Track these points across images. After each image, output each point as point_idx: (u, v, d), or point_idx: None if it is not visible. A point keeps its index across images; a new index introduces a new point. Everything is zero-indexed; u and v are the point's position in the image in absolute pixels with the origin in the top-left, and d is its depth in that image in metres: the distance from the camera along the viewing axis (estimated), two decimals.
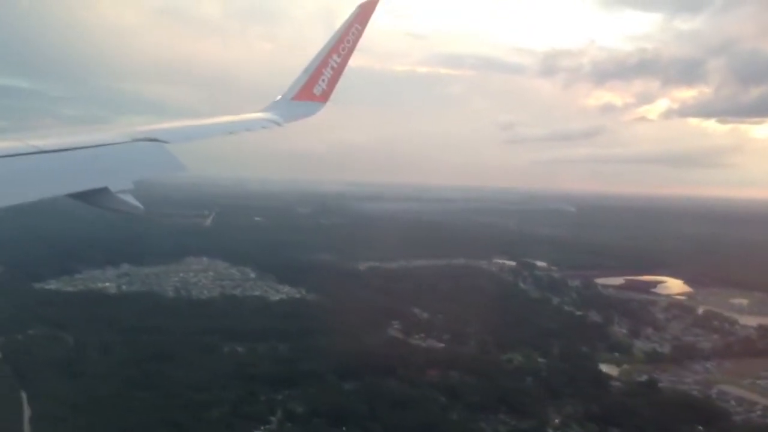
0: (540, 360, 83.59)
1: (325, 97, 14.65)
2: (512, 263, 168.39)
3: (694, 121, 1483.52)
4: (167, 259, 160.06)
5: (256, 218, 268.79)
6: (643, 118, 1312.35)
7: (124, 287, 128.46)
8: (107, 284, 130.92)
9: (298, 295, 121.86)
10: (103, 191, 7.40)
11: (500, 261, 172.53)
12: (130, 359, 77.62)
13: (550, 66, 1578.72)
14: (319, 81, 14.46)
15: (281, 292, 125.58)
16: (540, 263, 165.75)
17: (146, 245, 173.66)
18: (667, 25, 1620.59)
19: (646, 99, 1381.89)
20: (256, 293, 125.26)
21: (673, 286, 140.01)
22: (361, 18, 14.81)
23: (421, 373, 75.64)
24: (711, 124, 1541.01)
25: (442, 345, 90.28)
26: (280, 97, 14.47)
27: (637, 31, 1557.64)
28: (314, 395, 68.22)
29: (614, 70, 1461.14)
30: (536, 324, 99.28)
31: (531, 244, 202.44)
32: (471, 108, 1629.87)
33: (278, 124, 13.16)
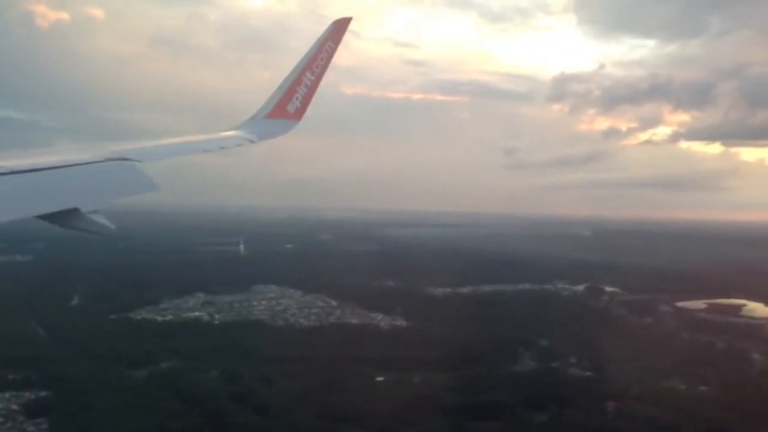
0: (702, 388, 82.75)
1: (298, 115, 14.48)
2: (580, 288, 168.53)
3: (698, 145, 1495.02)
4: (234, 287, 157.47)
5: (287, 245, 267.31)
6: (648, 142, 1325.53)
7: (217, 316, 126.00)
8: (197, 313, 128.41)
9: (402, 323, 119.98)
10: (74, 212, 7.21)
11: (565, 285, 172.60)
12: (299, 391, 75.87)
13: (550, 92, 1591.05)
14: (293, 99, 14.31)
15: (381, 321, 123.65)
16: (609, 288, 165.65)
17: (204, 274, 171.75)
18: (662, 51, 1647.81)
19: (650, 123, 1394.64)
20: (355, 321, 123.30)
21: (756, 308, 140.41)
22: (334, 35, 14.63)
23: (601, 404, 74.31)
24: (715, 148, 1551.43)
25: (589, 374, 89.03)
26: (253, 114, 14.28)
27: (633, 56, 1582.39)
28: (514, 427, 66.82)
29: (616, 96, 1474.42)
30: (669, 351, 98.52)
31: (577, 269, 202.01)
32: (469, 134, 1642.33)
33: (252, 141, 12.96)
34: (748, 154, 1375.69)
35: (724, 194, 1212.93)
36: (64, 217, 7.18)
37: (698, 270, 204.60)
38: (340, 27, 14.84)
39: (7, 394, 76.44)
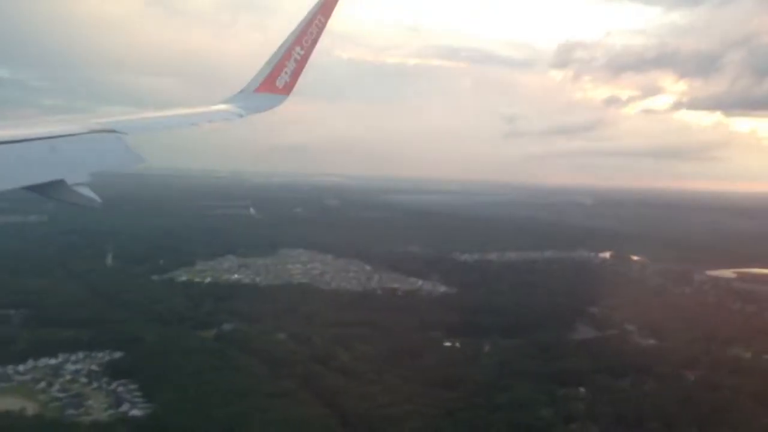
0: (766, 356, 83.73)
1: (287, 89, 14.44)
2: (605, 256, 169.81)
3: (698, 115, 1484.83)
4: (262, 251, 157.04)
5: (296, 210, 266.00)
6: (648, 111, 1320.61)
7: (258, 279, 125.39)
8: (237, 276, 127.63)
9: (446, 289, 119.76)
10: (59, 183, 7.23)
11: (590, 254, 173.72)
12: (378, 355, 75.91)
13: (553, 59, 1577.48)
14: (282, 73, 14.22)
15: (422, 286, 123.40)
16: (635, 257, 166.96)
17: (227, 237, 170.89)
18: (667, 18, 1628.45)
19: (651, 92, 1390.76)
20: (397, 286, 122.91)
21: None
22: (324, 10, 14.49)
23: (678, 373, 74.94)
24: (716, 117, 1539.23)
25: (653, 342, 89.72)
26: (242, 88, 14.23)
27: (637, 24, 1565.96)
28: (601, 394, 67.23)
29: (620, 63, 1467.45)
30: (720, 320, 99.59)
31: (593, 237, 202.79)
32: (467, 101, 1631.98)
33: (240, 115, 12.99)
34: (744, 124, 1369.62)
35: (717, 164, 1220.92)
36: (50, 189, 7.15)
37: (710, 239, 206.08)
38: (330, 1, 14.57)
39: (80, 354, 75.65)
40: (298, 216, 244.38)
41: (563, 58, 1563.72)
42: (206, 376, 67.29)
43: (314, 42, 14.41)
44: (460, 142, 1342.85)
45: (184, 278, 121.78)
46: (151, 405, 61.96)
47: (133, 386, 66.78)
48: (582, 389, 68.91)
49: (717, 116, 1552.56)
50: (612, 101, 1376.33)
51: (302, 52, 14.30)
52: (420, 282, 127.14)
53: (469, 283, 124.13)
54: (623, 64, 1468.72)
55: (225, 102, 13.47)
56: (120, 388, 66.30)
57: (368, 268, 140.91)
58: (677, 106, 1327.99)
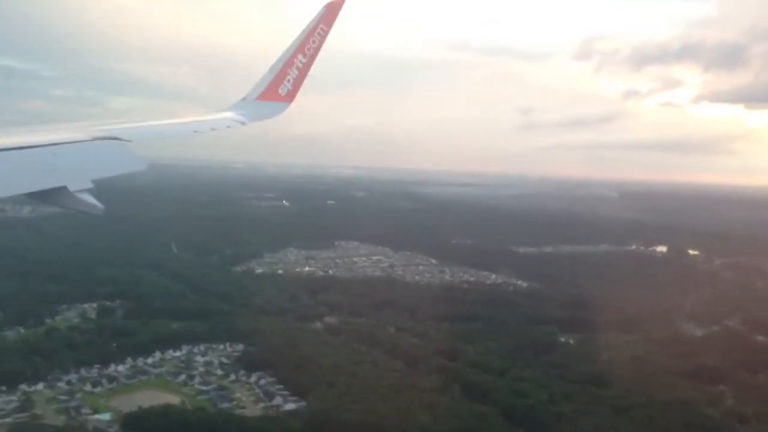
0: None
1: (290, 97, 14.61)
2: (663, 249, 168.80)
3: (719, 107, 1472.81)
4: (318, 243, 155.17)
5: (329, 201, 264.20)
6: (668, 104, 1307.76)
7: (331, 272, 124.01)
8: (308, 268, 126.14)
9: (523, 283, 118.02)
10: (62, 190, 7.21)
11: (644, 248, 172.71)
12: (503, 351, 74.45)
13: (576, 51, 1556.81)
14: (285, 81, 14.40)
15: (496, 280, 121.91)
16: (691, 251, 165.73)
17: (278, 229, 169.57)
18: (692, 10, 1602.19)
19: (673, 84, 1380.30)
20: (472, 279, 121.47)
21: None
22: (327, 18, 14.64)
23: None
24: (739, 110, 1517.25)
25: (762, 338, 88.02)
26: (245, 96, 14.42)
27: (660, 15, 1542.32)
28: (748, 391, 65.74)
29: (644, 56, 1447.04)
30: None
31: (637, 230, 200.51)
32: (484, 93, 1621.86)
33: (243, 123, 13.17)
34: (766, 117, 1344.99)
35: (734, 158, 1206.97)
36: (53, 196, 7.15)
37: (753, 233, 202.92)
38: (332, 9, 14.66)
39: (201, 347, 74.24)
40: (332, 208, 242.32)
41: (586, 49, 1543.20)
42: (347, 370, 65.81)
43: (317, 50, 14.54)
44: (474, 135, 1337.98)
45: (260, 270, 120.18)
46: (301, 399, 60.34)
47: (271, 379, 65.27)
48: (726, 386, 67.23)
49: (738, 109, 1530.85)
50: (631, 93, 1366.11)
51: (305, 60, 14.43)
52: (493, 276, 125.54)
53: (546, 277, 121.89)
54: (647, 56, 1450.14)
55: (228, 109, 13.66)
56: (262, 381, 64.76)
57: (433, 261, 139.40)
58: (698, 99, 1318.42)
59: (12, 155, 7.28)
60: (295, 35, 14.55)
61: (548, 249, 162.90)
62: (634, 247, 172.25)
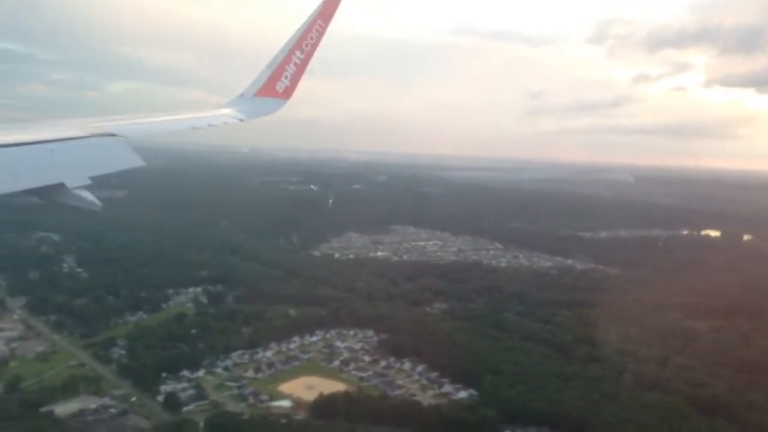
0: None
1: (287, 93, 14.54)
2: (717, 234, 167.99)
3: (731, 91, 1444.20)
4: (373, 227, 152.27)
5: (355, 186, 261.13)
6: (679, 88, 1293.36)
7: (405, 257, 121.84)
8: (380, 253, 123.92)
9: (606, 269, 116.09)
10: (59, 187, 7.18)
11: (695, 232, 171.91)
12: (631, 336, 72.71)
13: (589, 34, 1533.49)
14: (282, 77, 14.33)
15: (576, 265, 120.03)
16: (745, 236, 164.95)
17: (326, 213, 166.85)
18: None
19: (684, 68, 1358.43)
20: (549, 264, 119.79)
21: None
22: (324, 14, 14.48)
23: None
24: (749, 94, 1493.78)
25: None
26: (242, 92, 14.34)
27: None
28: None
29: (659, 39, 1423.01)
30: None
31: (676, 215, 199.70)
32: (494, 78, 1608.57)
33: (241, 120, 13.18)
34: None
35: (740, 142, 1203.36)
36: (50, 192, 7.12)
37: None
38: (330, 6, 14.52)
39: (332, 332, 72.53)
40: (363, 192, 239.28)
41: (600, 33, 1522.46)
42: (502, 357, 63.88)
43: (314, 46, 14.43)
44: (480, 120, 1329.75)
45: (337, 255, 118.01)
46: (467, 387, 58.35)
47: (424, 365, 63.29)
48: None
49: (749, 93, 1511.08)
50: (642, 78, 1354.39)
51: (302, 56, 14.34)
52: (569, 261, 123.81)
53: (629, 262, 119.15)
54: (663, 40, 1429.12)
55: (226, 105, 13.61)
56: (418, 368, 62.83)
57: (499, 245, 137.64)
58: (710, 82, 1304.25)
59: (10, 152, 7.21)
60: (296, 20, 14.45)
61: (603, 234, 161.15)
62: (686, 231, 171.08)
